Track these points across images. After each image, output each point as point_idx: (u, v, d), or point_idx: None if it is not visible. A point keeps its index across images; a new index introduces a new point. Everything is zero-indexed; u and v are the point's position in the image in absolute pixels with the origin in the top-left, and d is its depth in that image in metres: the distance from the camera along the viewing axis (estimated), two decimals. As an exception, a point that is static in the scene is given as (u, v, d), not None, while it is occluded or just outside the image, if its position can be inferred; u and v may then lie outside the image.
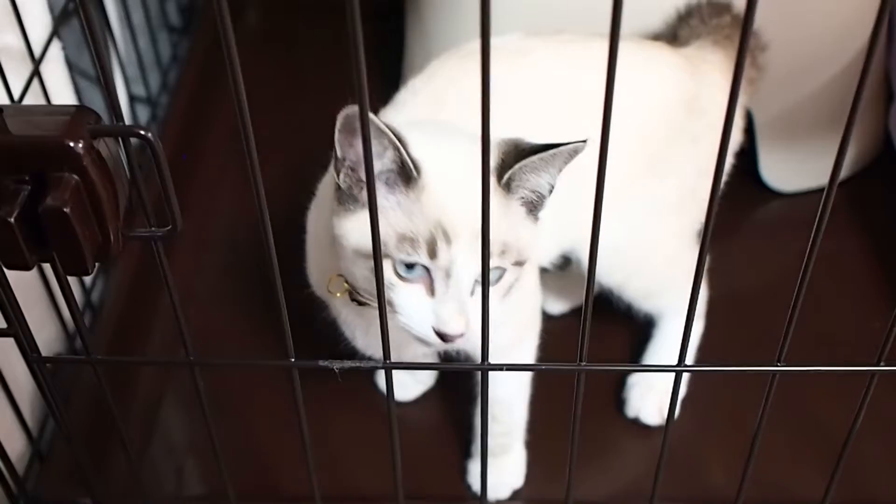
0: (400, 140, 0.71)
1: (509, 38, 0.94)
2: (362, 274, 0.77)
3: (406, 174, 0.73)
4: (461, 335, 0.75)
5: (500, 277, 0.77)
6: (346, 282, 0.83)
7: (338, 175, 0.75)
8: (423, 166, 0.73)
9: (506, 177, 0.74)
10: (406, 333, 0.78)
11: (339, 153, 0.74)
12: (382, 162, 0.72)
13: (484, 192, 0.58)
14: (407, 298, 0.75)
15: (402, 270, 0.75)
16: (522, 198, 0.77)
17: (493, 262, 0.74)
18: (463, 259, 0.73)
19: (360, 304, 0.84)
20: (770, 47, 1.10)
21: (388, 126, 0.70)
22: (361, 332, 0.91)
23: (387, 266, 0.75)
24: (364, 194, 0.73)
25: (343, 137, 0.73)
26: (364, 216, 0.72)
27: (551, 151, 0.72)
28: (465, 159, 0.67)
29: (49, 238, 0.59)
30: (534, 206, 0.78)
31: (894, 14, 1.31)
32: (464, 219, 0.73)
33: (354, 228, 0.75)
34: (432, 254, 0.73)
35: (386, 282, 0.74)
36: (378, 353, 0.89)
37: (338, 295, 0.86)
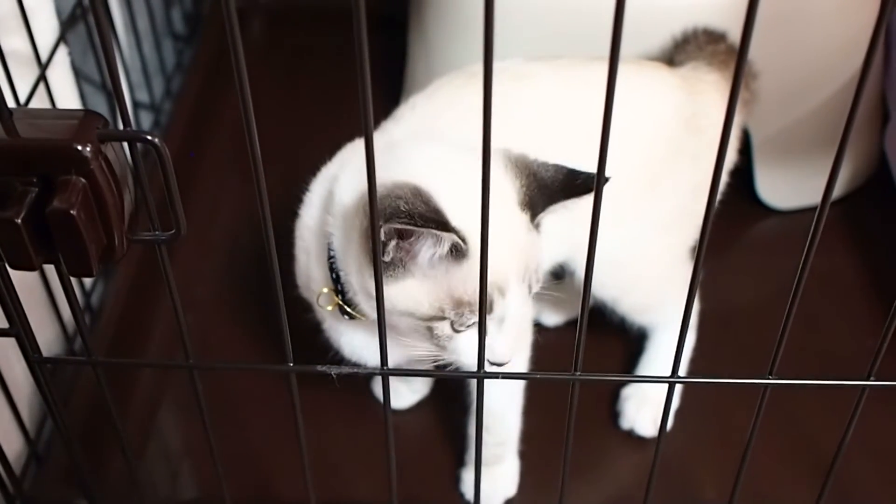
0: (443, 222, 0.73)
1: (511, 62, 0.95)
2: (408, 325, 0.80)
3: (457, 251, 0.75)
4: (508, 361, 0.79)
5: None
6: (336, 294, 0.84)
7: (383, 248, 0.74)
8: (468, 238, 0.75)
9: (536, 220, 0.79)
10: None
11: (386, 240, 0.74)
12: (438, 249, 0.75)
13: (484, 198, 0.59)
14: (462, 344, 0.79)
15: (458, 326, 0.78)
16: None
17: (528, 288, 0.80)
18: (515, 305, 0.78)
19: (351, 317, 0.85)
20: (763, 74, 1.11)
21: (437, 216, 0.73)
22: (347, 340, 0.92)
23: (444, 324, 0.78)
24: (411, 265, 0.76)
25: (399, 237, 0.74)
26: (411, 284, 0.76)
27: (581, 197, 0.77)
28: (499, 213, 0.69)
29: (55, 239, 0.59)
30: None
31: (890, 35, 1.32)
32: (510, 270, 0.77)
33: (401, 294, 0.77)
34: (490, 310, 0.76)
35: (439, 332, 0.78)
36: (363, 359, 0.90)
37: (328, 309, 0.87)
